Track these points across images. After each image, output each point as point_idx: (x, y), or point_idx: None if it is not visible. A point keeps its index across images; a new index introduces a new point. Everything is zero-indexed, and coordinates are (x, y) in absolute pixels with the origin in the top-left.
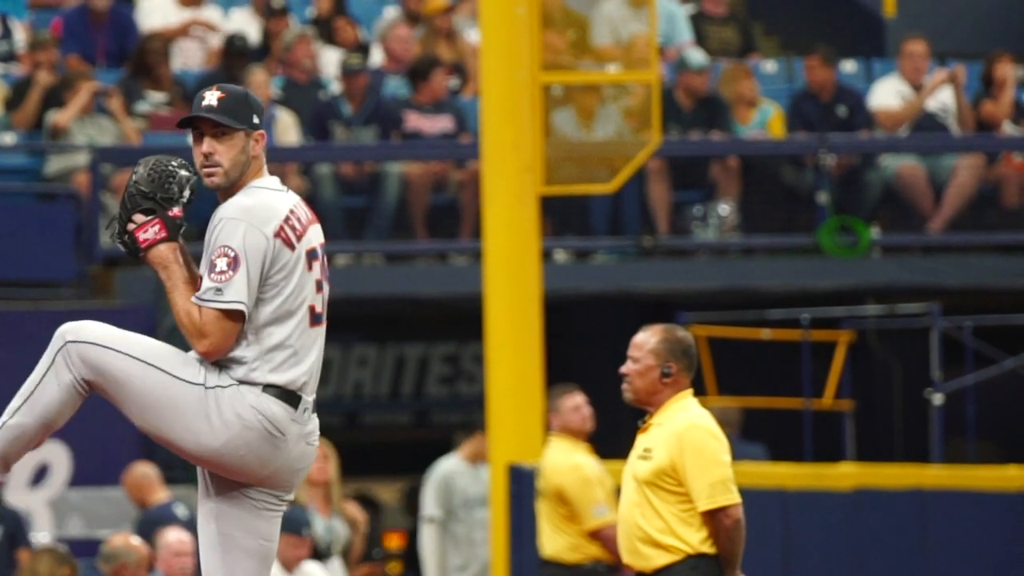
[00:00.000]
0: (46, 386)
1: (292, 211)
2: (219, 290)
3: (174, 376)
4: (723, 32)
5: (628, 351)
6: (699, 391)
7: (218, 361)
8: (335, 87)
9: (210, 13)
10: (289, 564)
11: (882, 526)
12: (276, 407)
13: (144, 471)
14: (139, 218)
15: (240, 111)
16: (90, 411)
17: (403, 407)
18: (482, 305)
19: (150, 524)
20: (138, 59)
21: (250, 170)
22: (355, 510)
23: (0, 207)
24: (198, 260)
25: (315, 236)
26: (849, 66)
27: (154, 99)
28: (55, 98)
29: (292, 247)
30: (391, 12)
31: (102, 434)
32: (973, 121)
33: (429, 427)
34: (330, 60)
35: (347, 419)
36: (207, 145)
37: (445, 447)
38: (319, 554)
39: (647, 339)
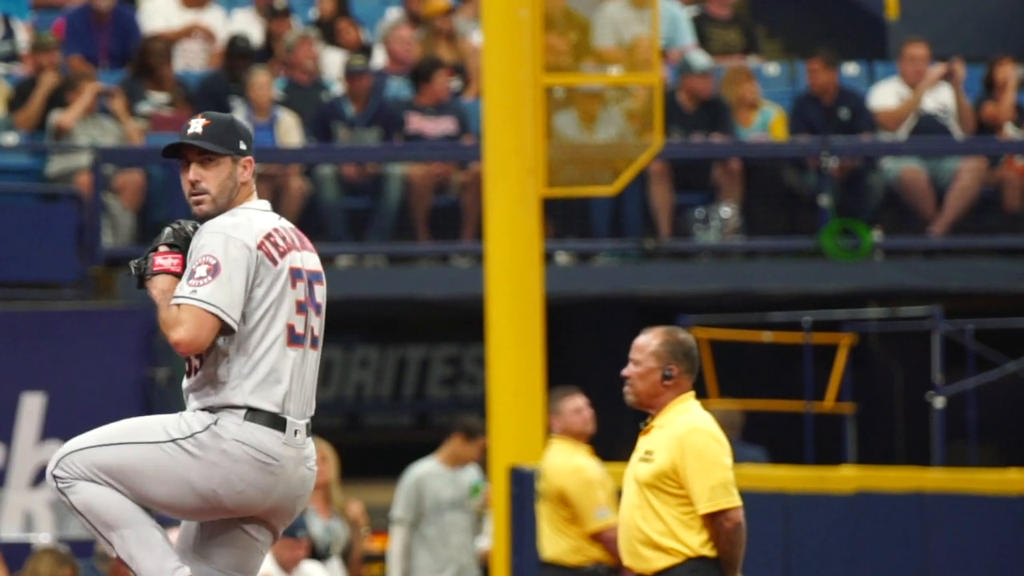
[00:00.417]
0: (93, 503)
1: (276, 230)
2: (195, 290)
3: (149, 443)
4: (727, 34)
5: (630, 353)
6: (700, 393)
7: (197, 388)
8: (337, 88)
9: (212, 15)
10: (287, 565)
11: (883, 529)
12: (261, 434)
13: None
14: (164, 248)
15: (226, 137)
16: (91, 412)
17: (404, 409)
18: (484, 307)
19: None
20: (140, 60)
21: (239, 196)
22: (357, 511)
23: (2, 207)
24: None
25: (304, 260)
26: (851, 69)
27: (156, 100)
28: (58, 99)
29: (274, 261)
30: (393, 13)
31: None
32: (974, 123)
33: (430, 429)
34: (332, 61)
35: (348, 421)
36: (193, 173)
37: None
38: (318, 555)
39: (648, 341)
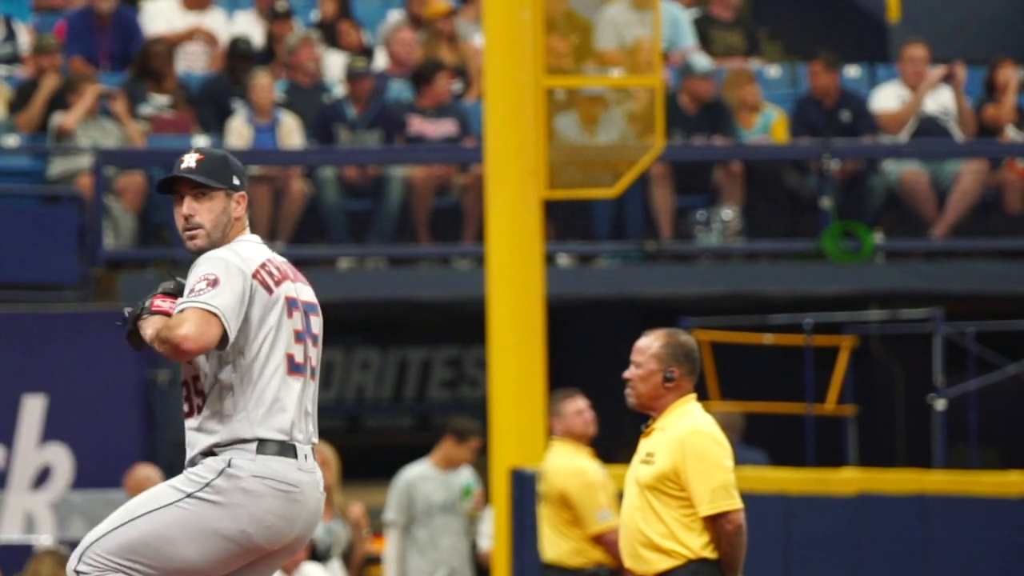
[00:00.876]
0: None
1: (270, 260)
2: (196, 297)
3: (165, 506)
4: (729, 36)
5: (631, 356)
6: (701, 396)
7: (202, 426)
8: (339, 90)
9: (214, 17)
10: (288, 567)
11: (884, 531)
12: (276, 464)
13: (146, 473)
14: (160, 294)
15: (220, 172)
16: (92, 413)
17: (405, 411)
18: (485, 309)
19: None
20: (142, 62)
21: (232, 232)
22: (357, 512)
23: (3, 209)
24: None
25: (299, 291)
26: (853, 71)
27: (158, 102)
28: (59, 101)
29: (269, 290)
30: (395, 16)
31: (104, 436)
32: (975, 125)
33: (431, 431)
34: (334, 63)
35: (349, 422)
36: (187, 207)
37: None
38: (319, 556)
39: (650, 344)
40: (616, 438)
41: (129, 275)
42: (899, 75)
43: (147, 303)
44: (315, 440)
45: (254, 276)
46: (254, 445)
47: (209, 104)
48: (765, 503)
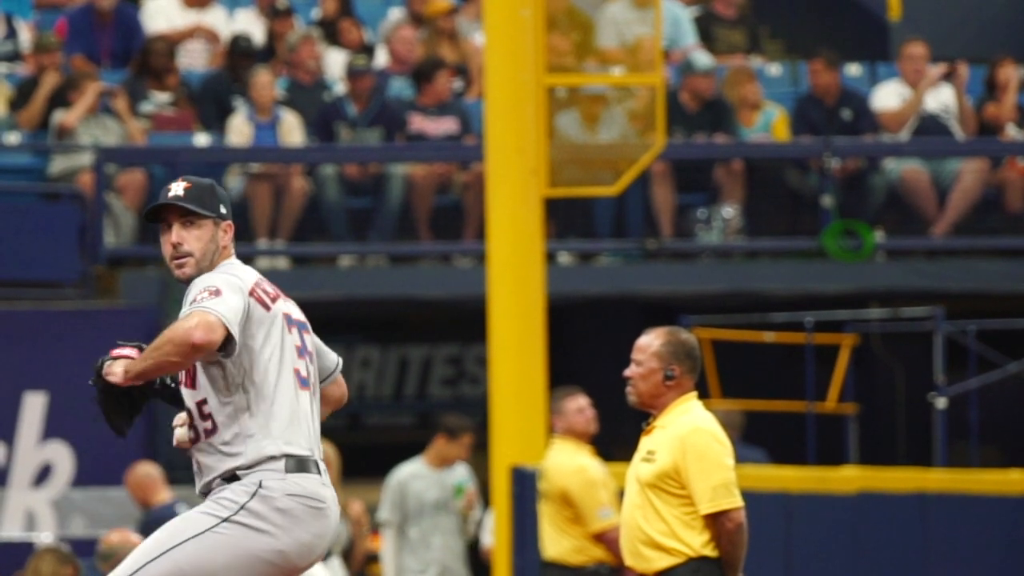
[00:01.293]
0: None
1: (261, 280)
2: (200, 303)
3: (201, 533)
4: (732, 34)
5: (632, 354)
6: (702, 394)
7: (220, 449)
8: (340, 88)
9: (215, 15)
10: None
11: (885, 530)
12: (305, 481)
13: (147, 471)
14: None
15: (207, 200)
16: (92, 411)
17: (406, 409)
18: (485, 307)
19: (153, 524)
20: (143, 60)
21: (219, 260)
22: (358, 510)
23: (4, 207)
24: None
25: (291, 308)
26: (854, 69)
27: (159, 99)
28: (60, 98)
29: (267, 307)
30: (396, 13)
31: (105, 434)
32: (976, 124)
33: (432, 429)
34: (335, 61)
35: (350, 420)
36: (175, 235)
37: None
38: None
39: (650, 342)
40: (617, 436)
41: (130, 273)
42: (900, 74)
43: (103, 359)
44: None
45: (251, 294)
46: (281, 463)
47: (210, 102)
48: (766, 501)
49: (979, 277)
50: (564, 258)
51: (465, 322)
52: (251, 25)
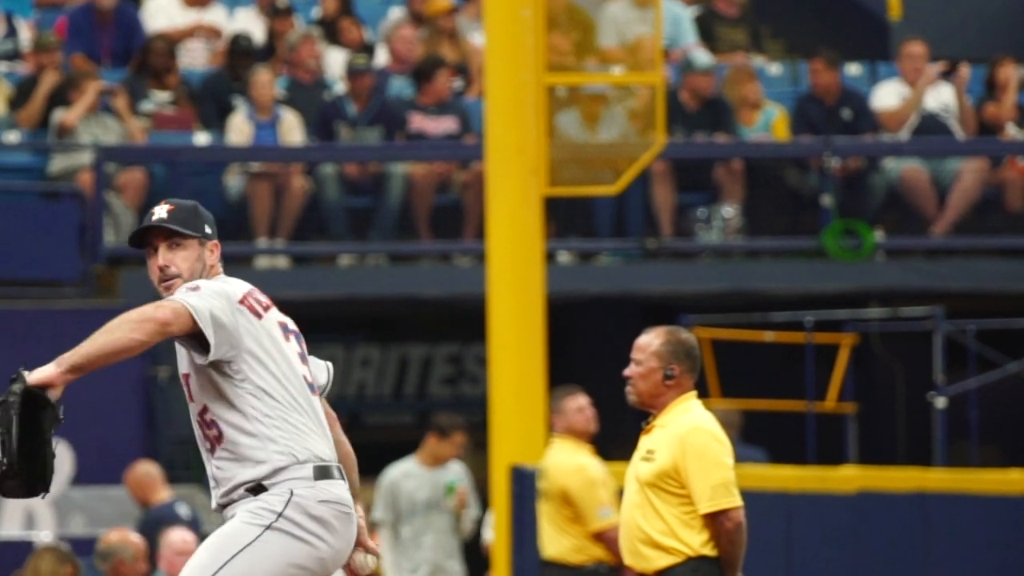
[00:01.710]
0: None
1: (252, 290)
2: (174, 298)
3: (250, 543)
4: (734, 33)
5: (631, 353)
6: (702, 393)
7: (240, 461)
8: (340, 87)
9: (215, 13)
10: None
11: (885, 529)
12: (332, 487)
13: (147, 470)
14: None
15: (191, 221)
16: (92, 410)
17: (406, 408)
18: (485, 306)
19: (153, 523)
20: (143, 59)
21: (207, 279)
22: (359, 510)
23: (4, 206)
24: None
25: (287, 319)
26: (854, 69)
27: (159, 98)
28: (60, 97)
29: (258, 315)
30: (396, 13)
31: (105, 433)
32: (976, 123)
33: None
34: (335, 60)
35: (350, 419)
36: (162, 258)
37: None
38: None
39: (650, 341)
40: (616, 435)
41: (130, 271)
42: (900, 73)
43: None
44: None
45: (241, 303)
46: (308, 470)
47: (210, 101)
48: (765, 501)
49: (979, 277)
50: (564, 257)
51: (465, 321)
52: (251, 24)
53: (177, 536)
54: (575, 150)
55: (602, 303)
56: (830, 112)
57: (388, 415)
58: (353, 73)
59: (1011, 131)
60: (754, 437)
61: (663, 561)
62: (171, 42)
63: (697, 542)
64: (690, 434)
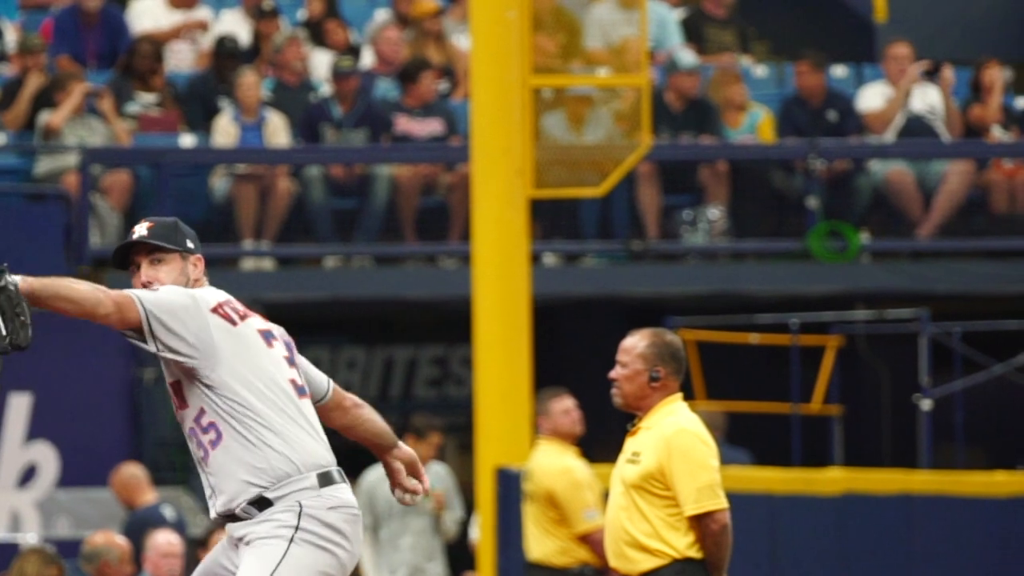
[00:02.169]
0: None
1: (230, 299)
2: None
3: (282, 560)
4: (723, 34)
5: (617, 355)
6: (687, 395)
7: (239, 475)
8: (325, 89)
9: (200, 15)
10: None
11: (870, 531)
12: (339, 492)
13: (132, 472)
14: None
15: (172, 236)
16: (78, 412)
17: (391, 409)
18: (471, 308)
19: (138, 525)
20: (129, 61)
21: None
22: None
23: None
24: None
25: (271, 326)
26: (839, 71)
27: (144, 100)
28: (46, 99)
29: (233, 322)
30: (382, 15)
31: (90, 435)
32: (961, 126)
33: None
34: (321, 62)
35: None
36: (145, 275)
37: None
38: None
39: (635, 343)
40: (602, 437)
41: (115, 273)
42: (885, 75)
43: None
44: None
45: (214, 311)
46: (311, 479)
47: (196, 102)
48: (751, 503)
49: (964, 279)
50: (549, 259)
51: (450, 323)
52: (237, 26)
53: (162, 538)
54: (561, 152)
55: (587, 305)
56: (815, 114)
57: None
58: (339, 75)
59: (997, 133)
60: (739, 439)
61: (648, 563)
62: (157, 44)
63: (682, 544)
64: (676, 436)
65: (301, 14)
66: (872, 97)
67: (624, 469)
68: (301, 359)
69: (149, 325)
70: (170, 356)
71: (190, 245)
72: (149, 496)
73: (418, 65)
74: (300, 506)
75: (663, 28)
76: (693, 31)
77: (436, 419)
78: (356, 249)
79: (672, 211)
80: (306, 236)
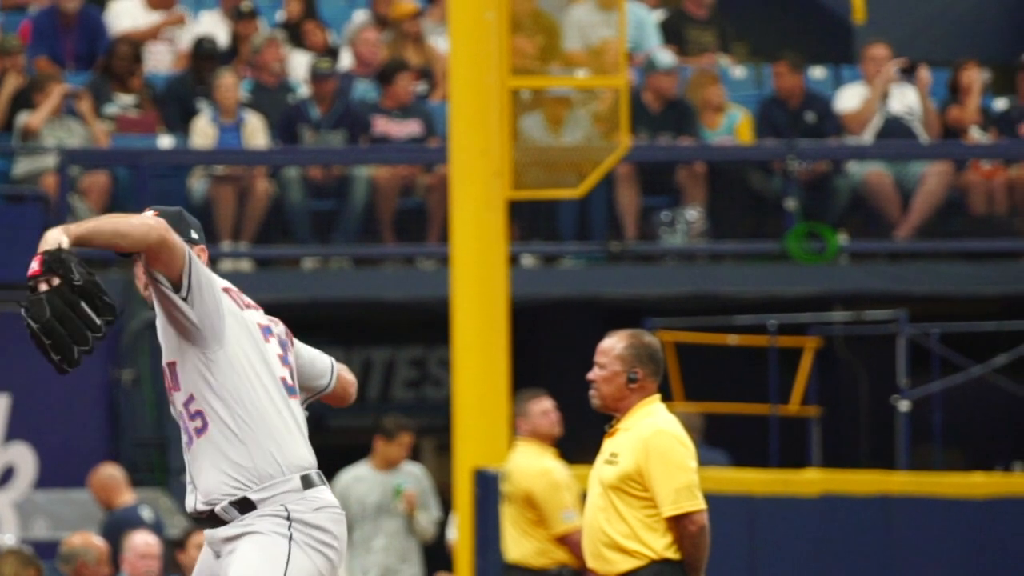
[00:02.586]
0: None
1: (234, 288)
2: None
3: (288, 560)
4: (703, 35)
5: (595, 357)
6: (665, 397)
7: (228, 473)
8: (304, 90)
9: (179, 16)
10: None
11: (848, 532)
12: (320, 493)
13: (110, 473)
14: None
15: (176, 225)
16: (56, 412)
17: (369, 411)
18: (449, 309)
19: (116, 526)
20: (107, 62)
21: None
22: None
23: None
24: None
25: (268, 320)
26: (818, 72)
27: (123, 101)
28: (24, 100)
29: (240, 308)
30: (360, 16)
31: (68, 436)
32: (940, 127)
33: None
34: (299, 63)
35: (312, 422)
36: None
37: (411, 451)
38: None
39: (614, 345)
40: (580, 439)
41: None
42: (863, 76)
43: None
44: None
45: (225, 291)
46: (294, 482)
47: (174, 104)
48: (729, 504)
49: (942, 280)
50: (528, 260)
51: (428, 324)
52: (215, 27)
53: (140, 539)
54: (539, 153)
55: (566, 306)
56: (794, 115)
57: (351, 418)
58: (317, 76)
59: (975, 135)
60: (717, 440)
61: (626, 564)
62: (135, 45)
63: (660, 545)
64: (654, 437)
65: (279, 15)
66: (850, 98)
67: (602, 470)
68: (302, 348)
69: (189, 277)
70: (190, 315)
71: (194, 235)
72: (127, 497)
73: (396, 66)
74: (287, 510)
75: (641, 29)
76: (674, 32)
77: (407, 420)
78: (334, 250)
79: (650, 212)
80: (284, 237)
